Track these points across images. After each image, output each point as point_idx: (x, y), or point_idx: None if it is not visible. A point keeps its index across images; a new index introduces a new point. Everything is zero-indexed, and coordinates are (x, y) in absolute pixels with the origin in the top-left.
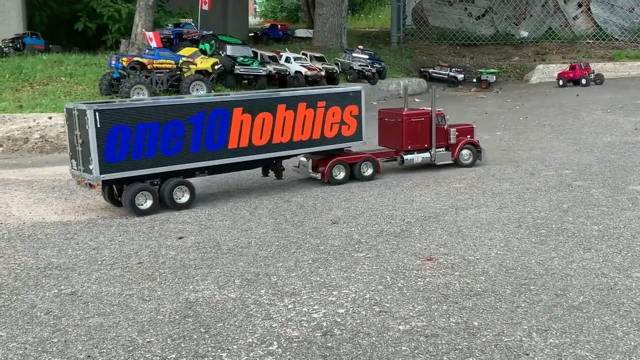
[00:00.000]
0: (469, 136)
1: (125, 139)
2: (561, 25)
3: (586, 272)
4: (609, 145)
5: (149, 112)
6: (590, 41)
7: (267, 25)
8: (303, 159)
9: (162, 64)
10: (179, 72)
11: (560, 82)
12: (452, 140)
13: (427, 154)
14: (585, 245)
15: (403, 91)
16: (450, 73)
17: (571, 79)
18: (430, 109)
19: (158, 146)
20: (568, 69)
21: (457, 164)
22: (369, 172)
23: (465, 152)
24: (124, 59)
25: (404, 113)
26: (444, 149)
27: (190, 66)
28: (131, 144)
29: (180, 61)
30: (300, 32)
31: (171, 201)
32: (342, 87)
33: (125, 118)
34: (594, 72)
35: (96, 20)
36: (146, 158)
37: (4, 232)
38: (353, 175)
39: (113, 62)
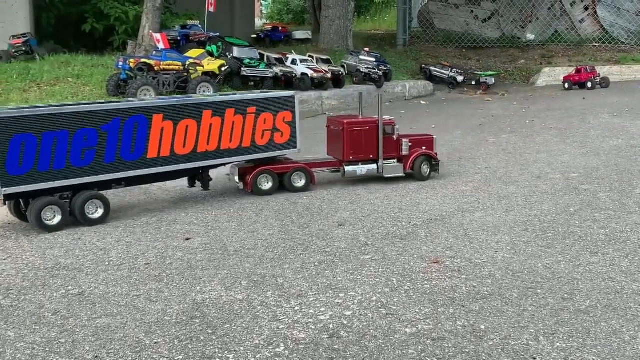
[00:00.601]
0: (424, 147)
1: (29, 148)
2: (567, 29)
3: (593, 276)
4: (616, 149)
5: (56, 119)
6: (597, 44)
7: (269, 27)
8: (230, 167)
9: (169, 65)
10: (186, 74)
11: (566, 85)
12: (405, 152)
13: (373, 166)
14: (592, 249)
15: (359, 97)
16: (450, 74)
17: (577, 82)
18: (377, 117)
19: (67, 156)
20: (574, 72)
21: (409, 176)
22: (300, 183)
23: (418, 164)
24: (132, 60)
25: (345, 121)
26: (395, 160)
27: (197, 68)
28: (37, 154)
29: (187, 63)
30: (299, 34)
31: (82, 216)
32: (274, 92)
33: (30, 126)
34: (599, 76)
35: (103, 21)
36: (54, 170)
37: (12, 233)
38: (283, 186)
39: (120, 63)
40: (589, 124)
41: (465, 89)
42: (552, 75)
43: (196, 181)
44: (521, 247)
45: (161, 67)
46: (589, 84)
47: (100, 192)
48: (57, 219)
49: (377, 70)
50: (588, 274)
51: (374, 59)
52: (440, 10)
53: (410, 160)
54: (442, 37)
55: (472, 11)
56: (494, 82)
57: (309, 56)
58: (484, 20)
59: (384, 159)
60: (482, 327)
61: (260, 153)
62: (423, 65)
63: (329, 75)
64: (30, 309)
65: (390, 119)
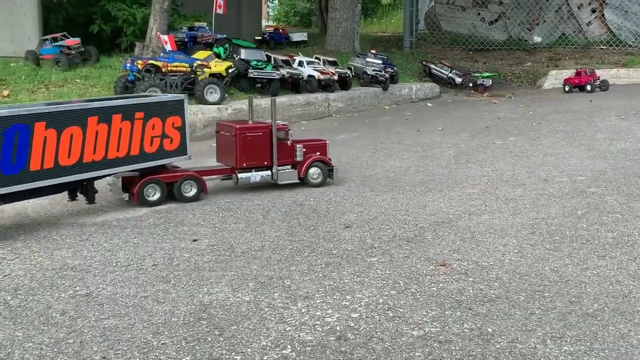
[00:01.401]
0: (318, 153)
1: None
2: (575, 31)
3: (601, 280)
4: (623, 152)
5: None
6: (604, 47)
7: (271, 29)
8: (113, 178)
9: (176, 67)
10: (193, 75)
11: (567, 88)
12: (299, 158)
13: (267, 172)
14: (600, 253)
15: (248, 102)
16: (449, 74)
17: (577, 85)
18: (270, 122)
19: None
20: (574, 75)
21: (304, 183)
22: (191, 192)
23: (313, 170)
24: (139, 61)
25: (237, 127)
26: (289, 166)
27: (205, 69)
28: None
29: (195, 64)
30: (295, 36)
31: None
32: (161, 96)
33: None
34: (599, 78)
35: (111, 23)
36: None
37: (20, 233)
38: (173, 196)
39: (128, 64)
40: (596, 127)
41: (472, 92)
42: (559, 77)
43: (78, 194)
44: (528, 250)
45: (169, 68)
46: (588, 87)
47: None
48: None
49: (383, 73)
50: (595, 278)
51: (380, 61)
52: (447, 12)
53: (305, 166)
54: (449, 39)
55: (479, 13)
56: (490, 83)
57: (316, 58)
58: (491, 22)
59: (278, 165)
60: (489, 330)
61: (149, 161)
62: (424, 62)
63: (336, 77)
64: (38, 310)
65: (283, 124)
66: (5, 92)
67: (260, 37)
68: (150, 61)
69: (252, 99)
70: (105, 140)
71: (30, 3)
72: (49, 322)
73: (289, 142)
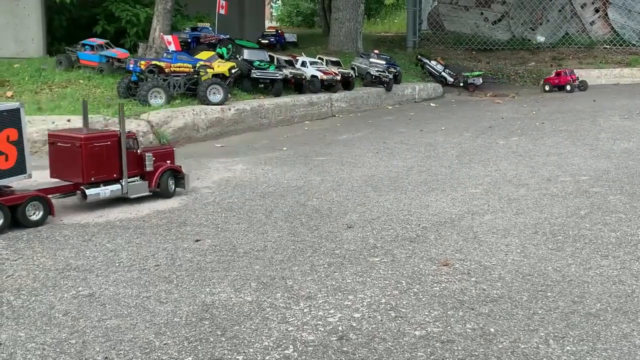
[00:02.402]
0: (168, 161)
1: None
2: (578, 31)
3: (603, 280)
4: (627, 152)
5: None
6: (607, 47)
7: (273, 30)
8: None
9: (179, 67)
10: (196, 76)
11: (547, 87)
12: (149, 168)
13: (117, 186)
14: (603, 252)
15: (82, 106)
16: (442, 73)
17: (556, 85)
18: (118, 130)
19: None
20: (554, 75)
21: (155, 194)
22: (38, 214)
23: (164, 179)
24: (142, 62)
25: (83, 136)
26: (138, 177)
27: (208, 70)
28: None
29: (198, 65)
30: (288, 37)
31: None
32: None
33: None
34: (578, 79)
35: (114, 23)
36: None
37: (23, 234)
38: (16, 221)
39: (131, 65)
40: (599, 127)
41: (475, 91)
42: None
43: None
44: (531, 250)
45: (172, 69)
46: (568, 87)
47: None
48: None
49: (386, 73)
50: (598, 277)
51: (383, 62)
52: (450, 12)
53: (156, 176)
54: (452, 39)
55: (482, 13)
56: (481, 82)
57: (319, 58)
58: (494, 22)
59: (128, 177)
60: (492, 330)
61: None
62: (419, 56)
63: (339, 78)
64: (41, 310)
65: (130, 132)
66: (9, 93)
67: (267, 41)
68: (154, 62)
69: (85, 102)
70: None
71: (34, 4)
72: (51, 323)
73: (138, 151)
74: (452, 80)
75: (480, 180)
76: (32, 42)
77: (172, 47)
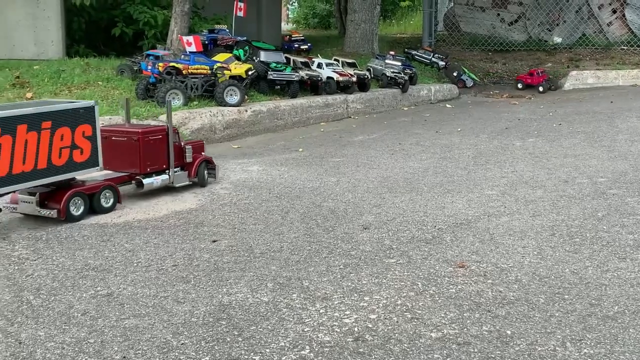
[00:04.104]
0: (203, 153)
1: None
2: (595, 32)
3: (621, 282)
4: None
5: None
6: (625, 47)
7: (296, 35)
8: (23, 195)
9: (197, 69)
10: (213, 78)
11: (519, 85)
12: (189, 159)
13: (165, 176)
14: (620, 255)
15: (125, 104)
16: (432, 58)
17: (529, 84)
18: (165, 124)
19: None
20: (527, 74)
21: (194, 184)
22: (109, 202)
23: (201, 170)
24: (160, 64)
25: (140, 130)
26: (179, 168)
27: (225, 72)
28: None
29: (215, 67)
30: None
31: None
32: (71, 103)
33: None
34: (549, 79)
35: (133, 26)
36: None
37: (42, 234)
38: (92, 208)
39: (149, 67)
40: (616, 128)
41: (491, 92)
42: (580, 78)
43: None
44: (548, 252)
45: (189, 70)
46: (541, 88)
47: None
48: None
49: (402, 75)
50: (616, 280)
51: (399, 63)
52: (466, 13)
53: (195, 166)
54: (468, 40)
55: (498, 14)
56: (472, 84)
57: (335, 60)
58: (511, 23)
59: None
60: (508, 332)
61: (58, 175)
62: (406, 50)
63: (355, 79)
64: (60, 309)
65: (173, 127)
66: (29, 95)
67: (297, 46)
68: (172, 64)
69: (127, 100)
70: (9, 153)
71: (54, 7)
72: (70, 322)
73: (181, 144)
74: (444, 64)
75: (497, 181)
76: (51, 44)
77: (192, 48)
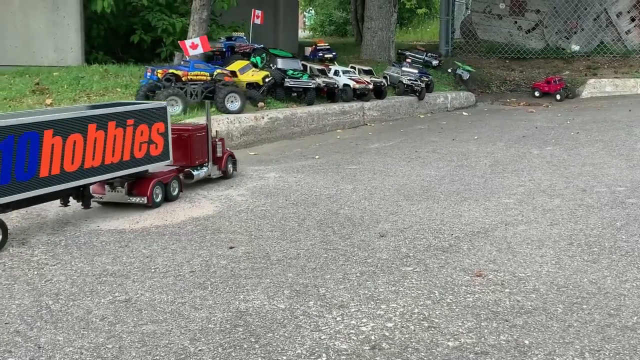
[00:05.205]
0: (227, 148)
1: None
2: (613, 40)
3: None
4: None
5: None
6: None
7: (325, 45)
8: (98, 186)
9: (196, 75)
10: (213, 84)
11: (536, 93)
12: (219, 153)
13: (206, 169)
14: (639, 265)
15: (206, 106)
16: (425, 58)
17: (546, 92)
18: (205, 123)
19: None
20: (544, 81)
21: (225, 176)
22: (176, 191)
23: (229, 163)
24: (159, 70)
25: (191, 128)
26: (211, 162)
27: (241, 78)
28: None
29: (215, 73)
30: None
31: None
32: (147, 103)
33: None
34: (567, 87)
35: (151, 33)
36: None
37: (62, 239)
38: (166, 197)
39: (149, 74)
40: (635, 137)
41: (508, 100)
42: (597, 86)
43: (69, 200)
44: (566, 261)
45: (189, 77)
46: (558, 96)
47: None
48: None
49: (419, 82)
50: (635, 290)
51: (416, 70)
52: (483, 21)
53: (224, 160)
54: (485, 48)
55: (515, 22)
56: (468, 76)
57: (351, 67)
58: (528, 31)
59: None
60: (526, 342)
61: (139, 166)
62: (399, 51)
63: (371, 86)
64: (79, 314)
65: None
66: (49, 101)
67: (322, 55)
68: (171, 70)
69: (208, 103)
70: (102, 146)
71: (74, 14)
72: (89, 327)
73: (217, 140)
74: (437, 62)
75: (514, 190)
76: (70, 51)
77: (199, 50)
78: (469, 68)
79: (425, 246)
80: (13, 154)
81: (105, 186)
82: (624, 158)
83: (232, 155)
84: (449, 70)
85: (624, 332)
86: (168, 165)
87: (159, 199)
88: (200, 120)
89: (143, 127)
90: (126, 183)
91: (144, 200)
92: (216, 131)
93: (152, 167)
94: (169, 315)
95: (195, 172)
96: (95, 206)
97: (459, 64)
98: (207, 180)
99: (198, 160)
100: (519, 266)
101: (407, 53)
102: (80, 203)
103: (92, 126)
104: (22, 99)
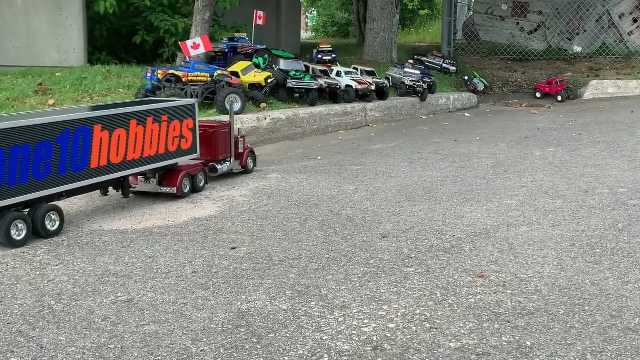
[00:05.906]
0: (248, 145)
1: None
2: (616, 41)
3: None
4: None
5: (20, 133)
6: None
7: (328, 46)
8: (132, 178)
9: (197, 76)
10: (214, 85)
11: (538, 94)
12: (241, 150)
13: (228, 163)
14: None
15: (230, 107)
16: (443, 64)
17: (547, 93)
18: (229, 120)
19: (30, 170)
20: (545, 82)
21: (245, 171)
22: (202, 183)
23: (249, 159)
24: (160, 71)
25: (216, 124)
26: (233, 157)
27: (243, 79)
28: (5, 169)
29: (215, 74)
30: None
31: (44, 230)
32: (178, 101)
33: None
34: (569, 88)
35: (154, 34)
36: (20, 184)
37: (64, 239)
38: (193, 188)
39: (149, 75)
40: (637, 138)
41: (510, 101)
42: (600, 88)
43: (108, 190)
44: (568, 262)
45: (189, 78)
46: (559, 97)
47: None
48: (24, 234)
49: (421, 83)
50: (637, 291)
51: (418, 72)
52: (485, 22)
53: (245, 156)
54: (487, 49)
55: (518, 23)
56: (482, 88)
57: (354, 68)
58: (530, 32)
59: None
60: (528, 343)
61: (172, 159)
62: (415, 56)
63: (373, 87)
64: (81, 315)
65: (227, 121)
66: (51, 101)
67: (328, 58)
68: (171, 71)
69: (232, 103)
70: (142, 140)
71: (76, 15)
72: (91, 327)
73: (240, 137)
74: (455, 69)
75: (516, 191)
76: (73, 52)
77: (200, 50)
78: (485, 81)
79: (427, 247)
80: (69, 147)
81: (139, 177)
82: (627, 159)
83: (252, 152)
84: (465, 78)
85: (626, 333)
86: (193, 160)
87: (187, 190)
88: (224, 118)
89: (175, 123)
90: (157, 175)
91: (174, 190)
92: (239, 129)
93: (181, 160)
94: (171, 315)
95: (219, 166)
96: (97, 206)
97: (476, 74)
98: (208, 180)
99: (222, 155)
100: (521, 267)
101: (424, 59)
102: (120, 192)
103: (133, 122)
104: (25, 100)
